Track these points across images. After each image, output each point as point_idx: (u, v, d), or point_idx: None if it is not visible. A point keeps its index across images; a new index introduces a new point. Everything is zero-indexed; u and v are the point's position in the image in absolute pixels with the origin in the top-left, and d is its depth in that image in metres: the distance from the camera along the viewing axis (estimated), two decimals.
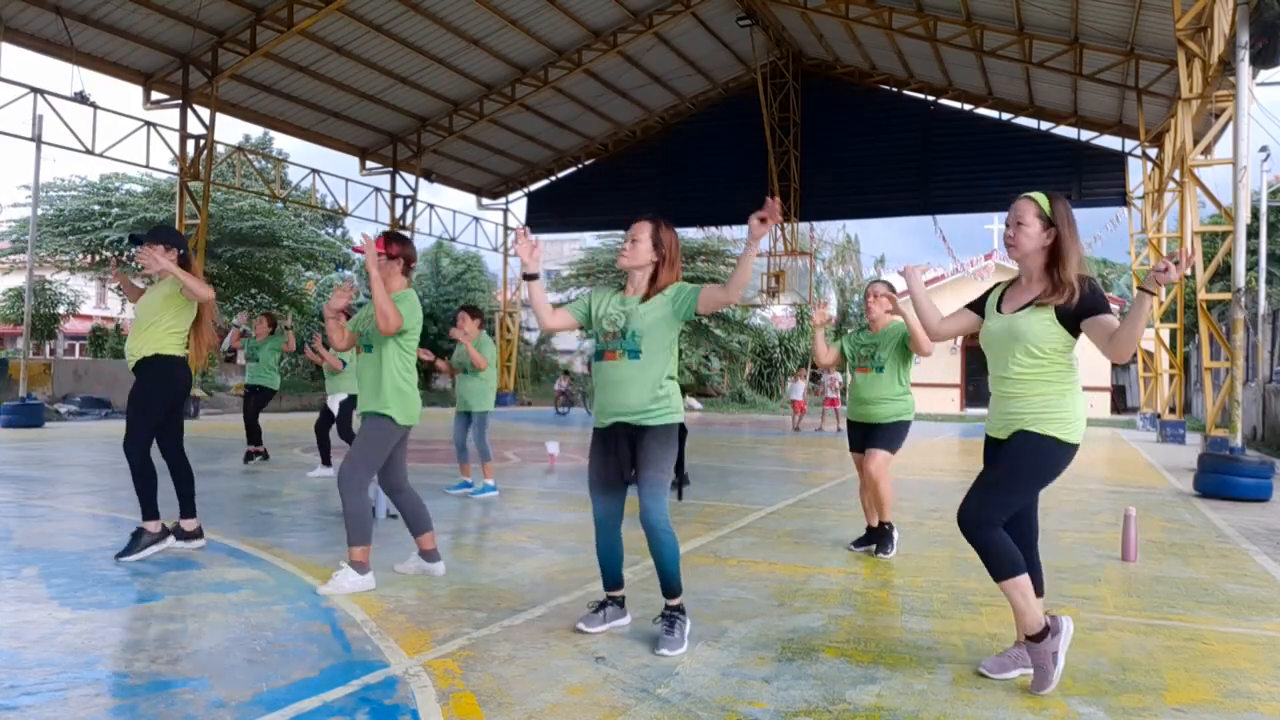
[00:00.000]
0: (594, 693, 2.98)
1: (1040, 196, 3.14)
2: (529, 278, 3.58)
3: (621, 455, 3.53)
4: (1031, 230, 3.11)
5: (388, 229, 4.92)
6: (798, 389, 22.14)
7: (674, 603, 3.53)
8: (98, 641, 3.38)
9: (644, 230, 3.56)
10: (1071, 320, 3.07)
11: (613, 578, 3.70)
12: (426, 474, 8.99)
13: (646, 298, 3.54)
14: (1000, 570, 3.10)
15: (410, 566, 4.64)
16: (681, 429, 3.56)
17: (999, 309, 3.27)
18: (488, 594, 4.25)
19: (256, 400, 9.80)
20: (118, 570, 4.54)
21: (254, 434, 9.73)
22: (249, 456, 9.72)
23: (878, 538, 5.43)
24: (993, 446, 3.28)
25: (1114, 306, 3.17)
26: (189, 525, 5.08)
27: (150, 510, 4.88)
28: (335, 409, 8.59)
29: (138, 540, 4.84)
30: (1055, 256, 3.11)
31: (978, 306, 3.41)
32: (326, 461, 8.79)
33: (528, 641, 3.50)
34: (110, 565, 4.65)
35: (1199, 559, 5.56)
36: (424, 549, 4.61)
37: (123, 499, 6.81)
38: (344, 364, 8.49)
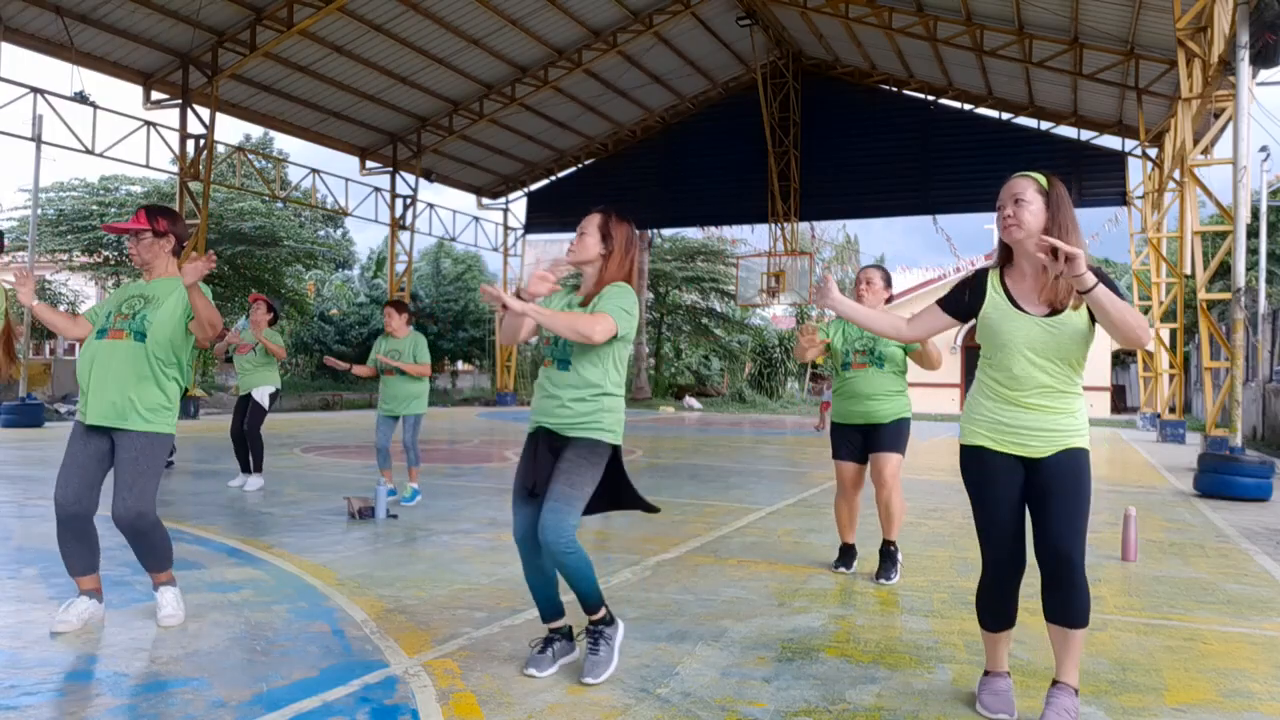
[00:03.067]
0: (594, 693, 2.98)
1: (1037, 174, 2.80)
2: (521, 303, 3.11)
3: (540, 463, 3.15)
4: (1035, 207, 2.72)
5: (165, 205, 4.48)
6: (828, 391, 21.90)
7: (597, 616, 3.14)
8: (98, 641, 3.39)
9: (592, 223, 3.23)
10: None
11: (550, 608, 3.24)
12: (427, 474, 8.96)
13: (586, 300, 3.21)
14: (1088, 614, 2.77)
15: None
16: (615, 453, 3.18)
17: (1016, 306, 2.80)
18: (488, 594, 4.25)
19: None
20: (118, 570, 4.53)
21: None
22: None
23: (880, 558, 4.88)
24: (1010, 464, 2.81)
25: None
26: None
27: None
28: (266, 402, 7.86)
29: None
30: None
31: (954, 303, 2.95)
32: (259, 467, 7.83)
33: (528, 641, 3.50)
34: (110, 565, 4.64)
35: (1199, 559, 5.56)
36: (161, 582, 3.76)
37: None
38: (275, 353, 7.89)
